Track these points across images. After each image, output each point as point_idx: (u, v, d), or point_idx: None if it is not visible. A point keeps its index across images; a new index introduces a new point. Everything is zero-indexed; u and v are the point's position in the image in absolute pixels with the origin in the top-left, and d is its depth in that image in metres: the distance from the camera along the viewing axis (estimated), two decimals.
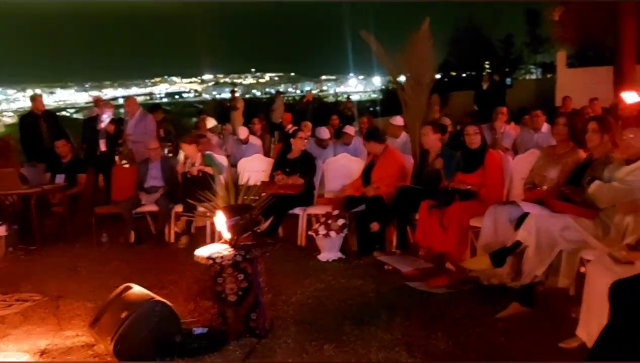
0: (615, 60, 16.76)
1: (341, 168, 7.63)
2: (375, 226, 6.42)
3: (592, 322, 3.70)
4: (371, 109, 27.27)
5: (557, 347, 3.96)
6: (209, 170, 7.48)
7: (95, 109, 11.19)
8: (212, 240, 6.84)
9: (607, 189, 4.47)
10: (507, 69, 39.37)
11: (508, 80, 28.95)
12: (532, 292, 4.60)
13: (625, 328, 2.74)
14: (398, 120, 9.07)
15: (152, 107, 11.54)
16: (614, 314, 3.20)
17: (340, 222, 6.43)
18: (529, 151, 6.50)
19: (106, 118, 9.31)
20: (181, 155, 8.19)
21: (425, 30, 7.46)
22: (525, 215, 4.74)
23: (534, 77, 44.06)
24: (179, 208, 7.47)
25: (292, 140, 7.63)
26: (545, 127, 8.03)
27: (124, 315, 4.04)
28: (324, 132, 9.44)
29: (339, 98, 45.47)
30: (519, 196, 5.64)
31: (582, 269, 4.40)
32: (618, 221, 4.41)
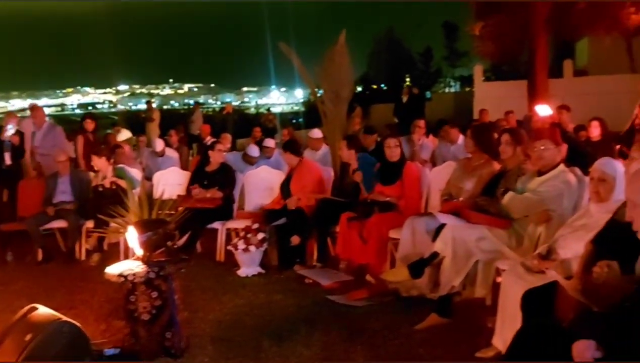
0: (529, 74, 17.57)
1: (261, 181, 7.61)
2: (295, 239, 6.43)
3: (507, 330, 3.82)
4: (294, 121, 27.43)
5: (474, 357, 4.07)
6: (121, 182, 7.29)
7: None
8: (126, 257, 6.65)
9: (520, 200, 4.65)
10: (426, 82, 40.52)
11: (427, 94, 29.81)
12: (450, 303, 4.72)
13: (535, 336, 2.85)
14: (316, 133, 9.15)
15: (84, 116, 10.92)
16: (525, 322, 3.32)
17: (260, 236, 6.40)
18: (445, 163, 6.69)
19: (10, 129, 8.91)
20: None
21: (342, 43, 7.57)
22: (442, 226, 4.87)
23: (452, 90, 45.52)
24: (90, 224, 7.24)
25: (210, 152, 7.54)
26: (460, 139, 8.32)
27: (28, 337, 3.86)
28: (254, 150, 9.40)
29: (260, 110, 45.51)
30: (436, 208, 5.80)
31: (498, 279, 4.55)
32: (531, 231, 4.60)
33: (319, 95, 8.38)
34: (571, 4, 16.17)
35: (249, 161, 9.23)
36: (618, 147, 8.07)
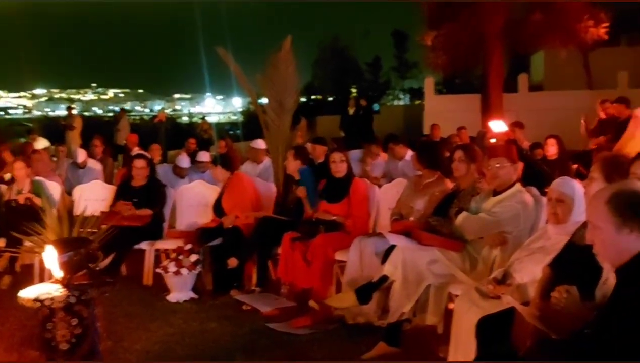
0: (483, 88, 18.02)
1: (195, 196, 7.53)
2: (232, 262, 6.37)
3: (460, 360, 3.88)
4: (231, 132, 27.31)
5: None
6: (37, 200, 7.09)
7: None
8: (41, 280, 6.45)
9: (474, 221, 4.75)
10: (374, 94, 41.05)
11: (376, 106, 30.21)
12: (399, 331, 4.77)
13: None
14: (260, 144, 9.14)
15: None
16: (480, 351, 3.39)
17: (193, 257, 6.33)
18: (395, 181, 6.77)
19: None
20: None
21: (287, 50, 7.60)
22: (392, 247, 4.93)
23: (402, 103, 46.25)
24: (1, 242, 7.00)
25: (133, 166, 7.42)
26: (409, 155, 8.44)
27: None
28: (184, 161, 9.29)
29: (194, 119, 45.14)
30: (386, 228, 5.84)
31: (451, 305, 4.63)
32: (485, 254, 4.71)
33: (261, 104, 8.38)
34: (527, 15, 16.68)
35: (179, 174, 9.13)
36: (575, 166, 8.38)
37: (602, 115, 11.43)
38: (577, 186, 3.88)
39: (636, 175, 2.95)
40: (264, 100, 8.20)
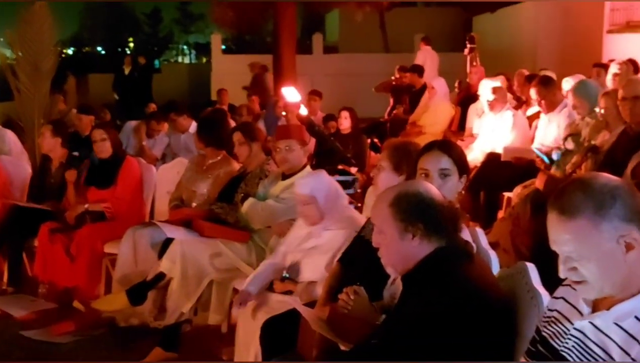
0: (275, 48, 18.19)
1: None
2: None
3: None
4: None
5: None
6: None
7: None
8: None
9: (262, 208, 4.80)
10: (154, 49, 40.20)
11: (156, 63, 29.61)
12: (178, 333, 4.75)
13: None
14: None
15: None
16: (265, 358, 3.44)
17: None
18: (175, 160, 6.65)
19: None
20: None
21: (42, 3, 7.15)
22: (170, 239, 4.85)
23: (187, 60, 45.70)
24: None
25: None
26: (193, 127, 8.25)
27: None
28: None
29: None
30: (163, 216, 5.75)
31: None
32: (273, 245, 4.76)
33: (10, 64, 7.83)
34: None
35: None
36: (369, 140, 8.78)
37: (398, 82, 12.16)
38: (315, 180, 4.04)
39: (423, 170, 3.12)
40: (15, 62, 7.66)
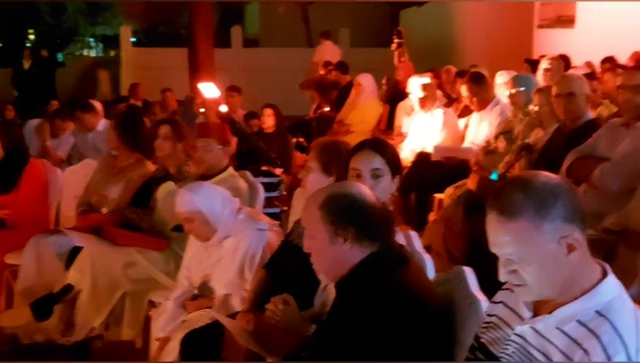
0: (190, 41, 17.94)
1: None
2: None
3: None
4: None
5: None
6: None
7: None
8: None
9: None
10: (57, 41, 39.32)
11: (60, 56, 28.97)
12: (89, 350, 4.66)
13: None
14: None
15: None
16: None
17: None
18: (84, 161, 6.49)
19: None
20: None
21: None
22: (78, 249, 4.75)
23: (93, 53, 44.80)
24: None
25: None
26: (102, 124, 8.06)
27: None
28: None
29: None
30: (71, 222, 5.62)
31: (152, 313, 4.58)
32: None
33: None
34: None
35: None
36: (294, 139, 8.79)
37: (324, 79, 12.20)
38: (196, 193, 3.93)
39: (355, 170, 3.13)
40: None
